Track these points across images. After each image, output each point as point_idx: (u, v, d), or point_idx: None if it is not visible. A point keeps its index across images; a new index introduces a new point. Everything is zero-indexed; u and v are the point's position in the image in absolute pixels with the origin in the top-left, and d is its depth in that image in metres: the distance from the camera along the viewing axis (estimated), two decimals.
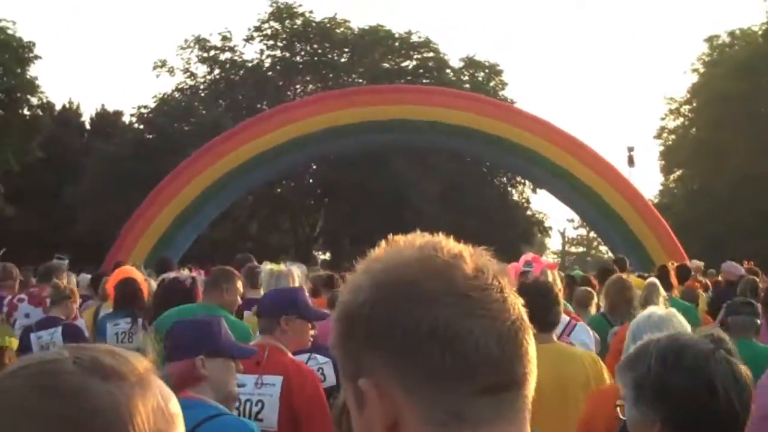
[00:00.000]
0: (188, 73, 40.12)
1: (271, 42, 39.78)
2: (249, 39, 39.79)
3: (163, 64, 39.84)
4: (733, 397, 2.01)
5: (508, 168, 31.10)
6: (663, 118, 44.88)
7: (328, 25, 39.42)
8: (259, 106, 35.45)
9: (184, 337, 3.25)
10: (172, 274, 6.92)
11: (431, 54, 40.42)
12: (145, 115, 36.58)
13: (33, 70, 31.32)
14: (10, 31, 30.05)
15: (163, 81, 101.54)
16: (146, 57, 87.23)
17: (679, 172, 43.79)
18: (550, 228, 45.52)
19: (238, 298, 5.72)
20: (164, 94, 38.77)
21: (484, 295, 0.98)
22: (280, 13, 39.24)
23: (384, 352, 0.97)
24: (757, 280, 7.70)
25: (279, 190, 37.40)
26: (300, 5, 39.20)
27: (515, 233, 39.06)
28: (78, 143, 37.23)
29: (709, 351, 2.07)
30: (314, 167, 36.03)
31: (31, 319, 6.80)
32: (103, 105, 49.99)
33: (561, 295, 4.73)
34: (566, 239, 62.57)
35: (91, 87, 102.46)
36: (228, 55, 39.91)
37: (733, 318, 5.32)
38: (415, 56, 40.68)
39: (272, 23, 39.49)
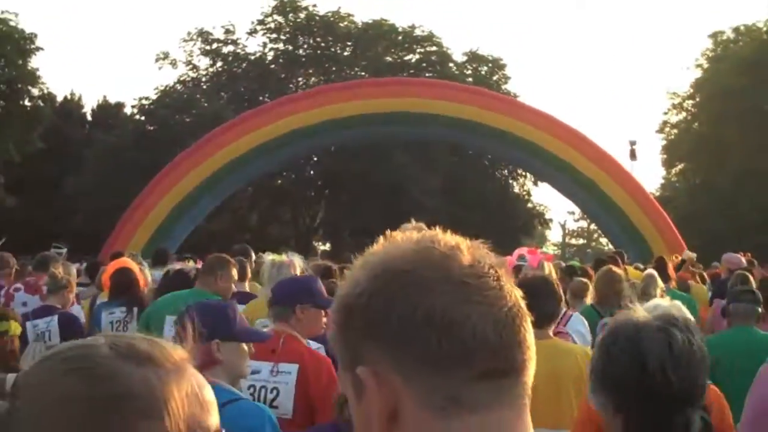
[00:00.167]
0: (191, 66, 40.24)
1: (274, 35, 39.81)
2: (252, 32, 39.86)
3: (166, 56, 39.94)
4: (668, 368, 1.95)
5: (511, 161, 31.11)
6: (666, 113, 44.93)
7: (331, 18, 39.41)
8: (261, 98, 35.46)
9: (200, 322, 3.26)
10: (177, 266, 6.93)
11: (434, 48, 40.42)
12: (147, 107, 36.61)
13: (34, 62, 31.46)
14: (12, 23, 30.14)
15: (166, 73, 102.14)
16: (148, 49, 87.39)
17: (680, 166, 43.79)
18: (551, 220, 45.68)
19: (233, 285, 5.74)
20: (166, 86, 38.89)
21: (480, 282, 0.98)
22: (284, 7, 39.26)
23: (382, 340, 0.97)
24: (748, 275, 7.74)
25: (279, 181, 37.45)
26: None
27: (516, 225, 39.19)
28: (79, 134, 37.27)
29: (642, 327, 2.02)
30: (315, 159, 36.07)
31: (28, 307, 6.84)
32: (104, 96, 50.16)
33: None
34: (567, 231, 62.66)
35: (94, 79, 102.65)
36: (231, 48, 39.93)
37: (734, 305, 5.36)
38: (418, 50, 40.69)
39: (276, 17, 39.52)
